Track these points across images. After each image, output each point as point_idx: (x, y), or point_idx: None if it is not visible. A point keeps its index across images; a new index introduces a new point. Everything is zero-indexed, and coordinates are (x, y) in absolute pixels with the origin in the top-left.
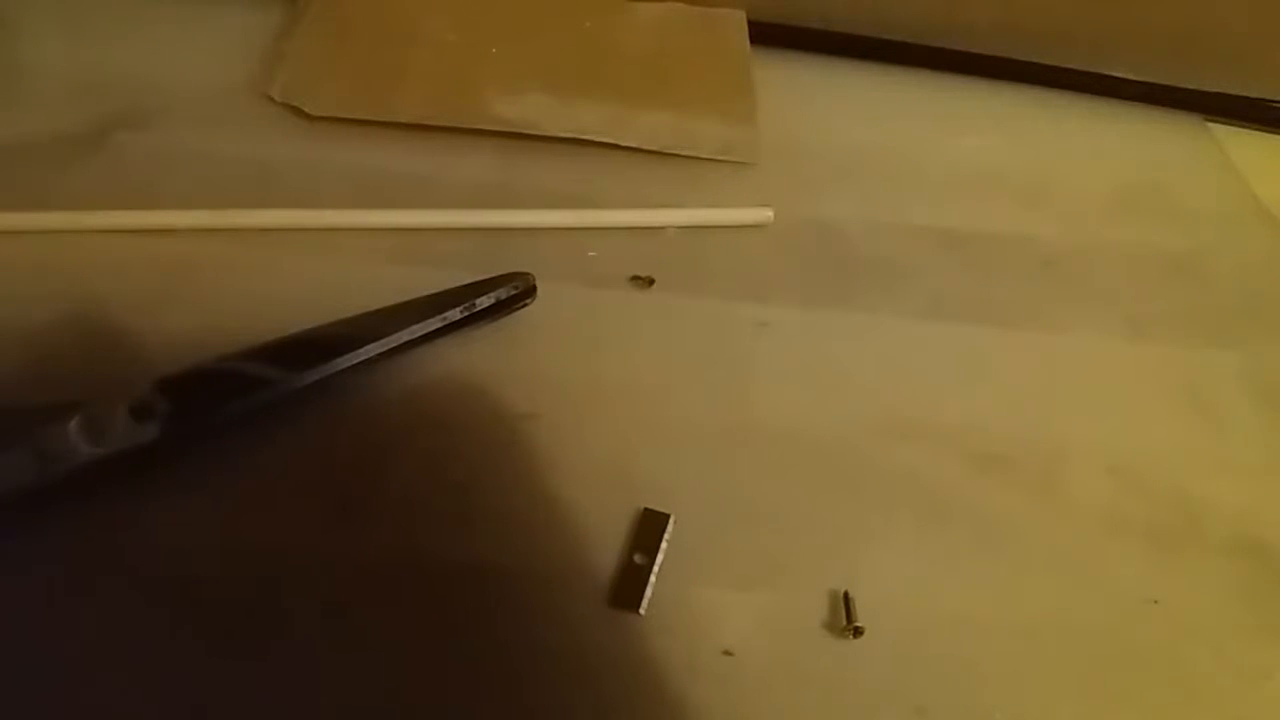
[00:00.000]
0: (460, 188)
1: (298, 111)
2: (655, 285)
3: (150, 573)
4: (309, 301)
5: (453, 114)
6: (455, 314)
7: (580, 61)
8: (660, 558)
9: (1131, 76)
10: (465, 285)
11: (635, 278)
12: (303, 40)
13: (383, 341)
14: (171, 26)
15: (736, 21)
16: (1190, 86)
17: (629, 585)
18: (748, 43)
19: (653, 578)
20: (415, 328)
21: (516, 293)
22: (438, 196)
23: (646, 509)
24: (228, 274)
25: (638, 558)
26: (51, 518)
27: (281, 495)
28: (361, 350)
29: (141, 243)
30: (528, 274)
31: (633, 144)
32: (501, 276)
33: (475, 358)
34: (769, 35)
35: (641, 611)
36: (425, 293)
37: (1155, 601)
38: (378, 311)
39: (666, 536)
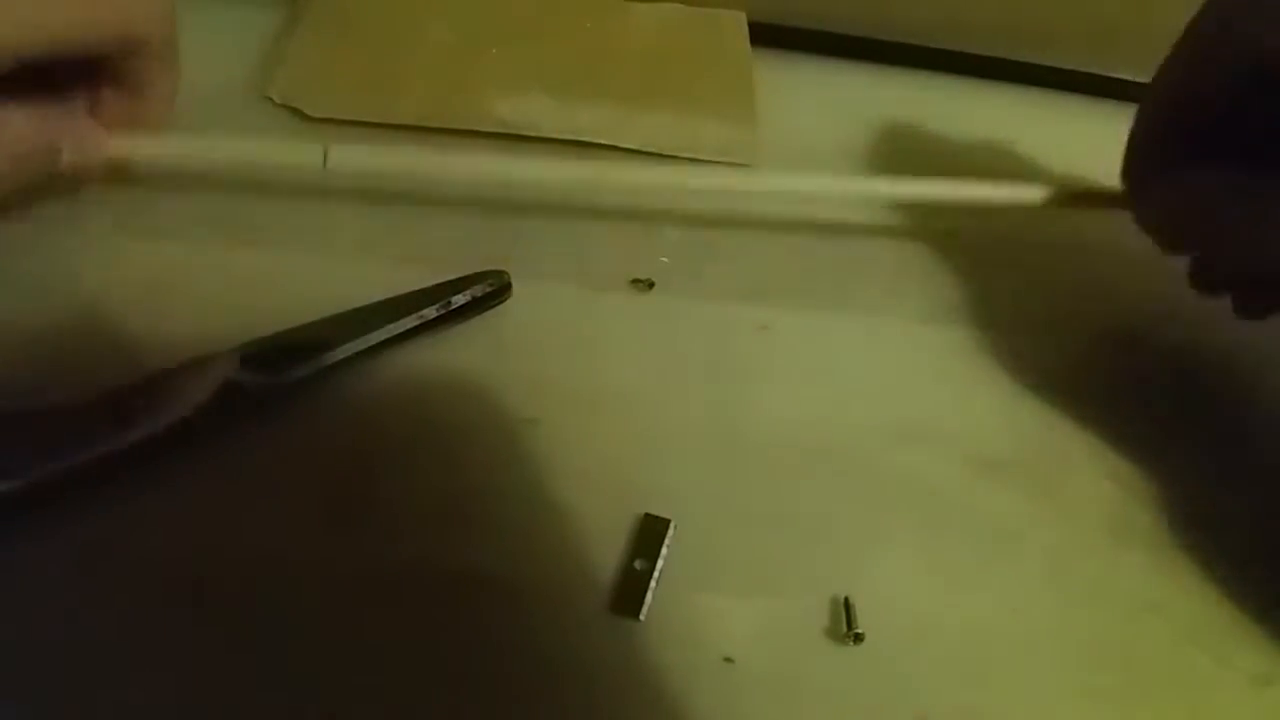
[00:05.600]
0: (460, 188)
1: (297, 113)
2: (655, 288)
3: (144, 576)
4: (309, 302)
5: (453, 115)
6: (432, 312)
7: (580, 62)
8: (660, 564)
9: (1133, 78)
10: (440, 284)
11: (635, 281)
12: (302, 41)
13: (362, 339)
14: None
15: (736, 22)
16: None
17: (629, 591)
18: (748, 43)
19: (653, 584)
20: (392, 325)
21: (492, 289)
22: (437, 196)
23: (647, 514)
24: (226, 274)
25: (638, 564)
26: (43, 521)
27: (277, 500)
28: (340, 349)
29: (140, 243)
30: (503, 271)
31: (633, 145)
32: (476, 275)
33: (474, 361)
34: (769, 35)
35: (641, 618)
36: None
37: (1157, 607)
38: (354, 310)
39: (667, 542)
